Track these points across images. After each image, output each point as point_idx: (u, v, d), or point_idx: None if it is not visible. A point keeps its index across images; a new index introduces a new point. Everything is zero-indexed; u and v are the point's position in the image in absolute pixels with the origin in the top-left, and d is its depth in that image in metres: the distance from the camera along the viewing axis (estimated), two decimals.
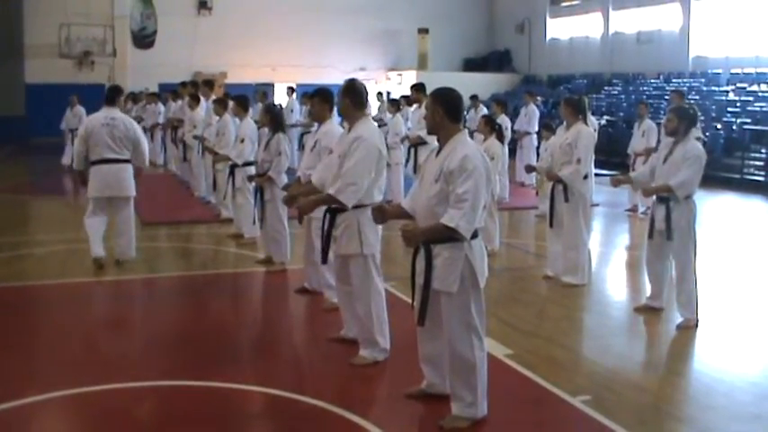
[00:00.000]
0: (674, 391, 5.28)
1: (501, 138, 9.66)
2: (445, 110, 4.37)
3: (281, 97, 21.56)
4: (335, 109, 6.24)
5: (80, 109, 17.09)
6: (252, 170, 8.88)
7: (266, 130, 8.31)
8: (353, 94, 5.46)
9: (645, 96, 20.63)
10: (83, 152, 8.23)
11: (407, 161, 12.27)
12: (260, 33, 26.54)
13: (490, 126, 9.38)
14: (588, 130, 7.84)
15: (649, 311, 6.85)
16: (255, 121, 9.80)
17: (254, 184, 8.39)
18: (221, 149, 10.07)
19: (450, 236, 4.20)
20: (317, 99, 6.27)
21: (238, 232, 9.85)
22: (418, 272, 4.40)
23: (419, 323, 4.45)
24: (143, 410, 4.85)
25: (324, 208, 5.47)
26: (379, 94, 18.00)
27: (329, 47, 27.59)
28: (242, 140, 9.26)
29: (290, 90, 20.43)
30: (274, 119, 8.03)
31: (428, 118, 4.47)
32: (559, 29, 27.80)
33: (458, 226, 4.14)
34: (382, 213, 4.70)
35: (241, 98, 9.82)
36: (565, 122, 8.04)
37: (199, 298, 7.52)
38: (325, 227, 5.48)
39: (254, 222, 8.70)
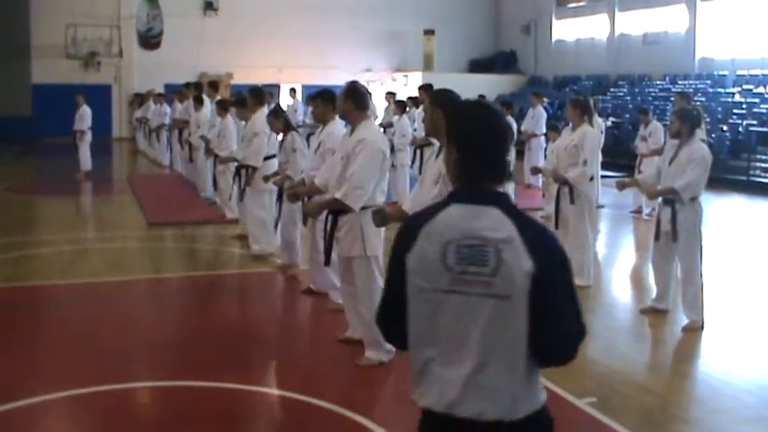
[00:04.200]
0: (679, 394, 5.28)
1: None
2: (444, 112, 4.36)
3: (284, 99, 21.60)
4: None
5: (86, 109, 17.00)
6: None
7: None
8: (355, 97, 5.46)
9: (651, 98, 20.59)
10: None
11: (413, 162, 12.26)
12: (266, 34, 26.56)
13: None
14: (593, 132, 7.83)
15: (655, 313, 6.83)
16: None
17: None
18: (221, 151, 10.16)
19: None
20: (320, 100, 6.28)
21: (244, 233, 9.86)
22: None
23: None
24: (148, 411, 4.86)
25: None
26: (389, 94, 17.97)
27: (335, 48, 27.60)
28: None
29: (293, 91, 20.59)
30: (285, 120, 8.01)
31: (427, 120, 4.46)
32: (565, 30, 27.78)
33: None
34: (383, 216, 4.69)
35: (244, 101, 9.78)
36: (570, 124, 8.03)
37: (204, 298, 7.53)
38: (328, 228, 5.50)
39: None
